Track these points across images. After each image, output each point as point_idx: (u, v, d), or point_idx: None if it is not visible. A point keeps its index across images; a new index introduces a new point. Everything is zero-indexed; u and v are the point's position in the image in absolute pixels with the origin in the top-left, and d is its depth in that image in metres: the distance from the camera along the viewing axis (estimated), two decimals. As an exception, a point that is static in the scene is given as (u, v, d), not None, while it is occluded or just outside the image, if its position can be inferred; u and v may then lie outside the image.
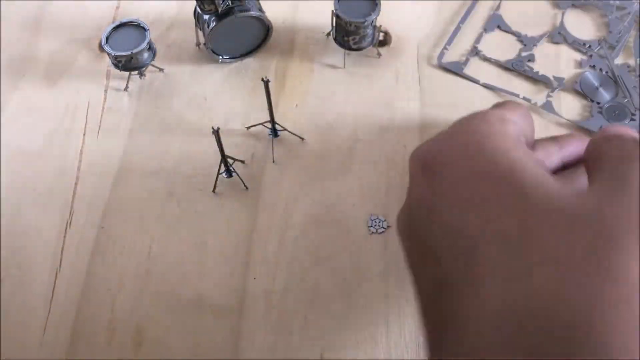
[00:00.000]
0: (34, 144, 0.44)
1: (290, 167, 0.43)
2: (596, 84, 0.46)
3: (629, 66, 0.47)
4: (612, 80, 0.46)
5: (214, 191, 0.42)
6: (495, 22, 0.50)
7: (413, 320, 0.37)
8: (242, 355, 0.36)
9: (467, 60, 0.48)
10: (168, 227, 0.41)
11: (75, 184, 0.43)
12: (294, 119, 0.45)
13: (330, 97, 0.46)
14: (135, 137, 0.45)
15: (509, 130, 0.28)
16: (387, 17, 0.49)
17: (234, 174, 0.43)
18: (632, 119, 0.44)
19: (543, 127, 0.45)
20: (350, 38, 0.46)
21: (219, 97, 0.47)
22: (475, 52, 0.48)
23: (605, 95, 0.46)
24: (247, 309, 0.38)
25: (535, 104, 0.46)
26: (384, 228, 0.40)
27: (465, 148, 0.28)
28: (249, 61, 0.48)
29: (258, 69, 0.48)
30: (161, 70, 0.48)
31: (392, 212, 0.41)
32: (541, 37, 0.49)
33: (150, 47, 0.46)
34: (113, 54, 0.44)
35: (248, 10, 0.45)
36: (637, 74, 0.47)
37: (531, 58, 0.48)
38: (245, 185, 0.42)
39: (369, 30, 0.46)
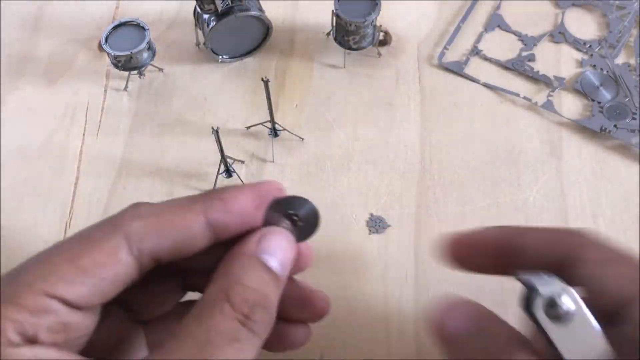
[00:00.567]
0: (34, 143, 0.44)
1: (290, 167, 0.43)
2: (597, 83, 0.46)
3: (629, 65, 0.47)
4: (613, 79, 0.46)
5: (213, 191, 0.42)
6: (496, 22, 0.50)
7: (413, 320, 0.37)
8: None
9: (467, 59, 0.48)
10: (168, 227, 0.41)
11: (75, 184, 0.43)
12: (294, 119, 0.45)
13: (330, 97, 0.46)
14: (135, 137, 0.45)
15: None
16: (388, 16, 0.49)
17: (233, 173, 0.42)
18: (633, 118, 0.44)
19: (544, 127, 0.44)
20: (351, 38, 0.46)
21: (219, 97, 0.46)
22: (475, 51, 0.48)
23: (605, 95, 0.46)
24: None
25: (535, 103, 0.45)
26: (384, 228, 0.40)
27: None
28: (249, 61, 0.48)
29: (258, 69, 0.48)
30: (161, 70, 0.48)
31: (392, 212, 0.41)
32: (542, 36, 0.49)
33: (150, 47, 0.46)
34: (112, 54, 0.44)
35: (248, 10, 0.44)
36: (638, 73, 0.47)
37: (531, 58, 0.48)
38: (245, 185, 0.42)
39: (369, 30, 0.46)
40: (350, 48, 0.47)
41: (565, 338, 0.20)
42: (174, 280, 0.30)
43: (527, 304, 0.21)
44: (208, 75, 0.48)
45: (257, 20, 0.46)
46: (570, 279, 0.24)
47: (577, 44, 0.48)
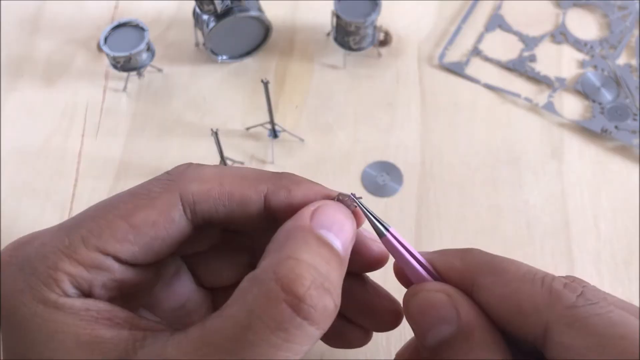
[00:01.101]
0: (33, 144, 0.44)
1: (290, 168, 0.43)
2: (598, 84, 0.46)
3: (630, 66, 0.47)
4: (614, 80, 0.46)
5: (213, 192, 0.42)
6: (497, 22, 0.50)
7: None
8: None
9: (468, 60, 0.48)
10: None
11: (74, 185, 0.42)
12: (294, 120, 0.45)
13: (330, 97, 0.46)
14: (134, 138, 0.44)
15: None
16: (388, 17, 0.49)
17: (233, 175, 0.42)
18: (634, 119, 0.44)
19: (545, 129, 0.44)
20: (351, 38, 0.45)
21: (218, 97, 0.46)
22: (476, 52, 0.48)
23: (606, 96, 0.45)
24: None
25: (536, 104, 0.45)
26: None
27: None
28: (249, 61, 0.48)
29: (257, 70, 0.48)
30: (160, 70, 0.47)
31: (392, 213, 0.41)
32: (542, 37, 0.49)
33: (149, 48, 0.46)
34: (112, 55, 0.43)
35: (247, 10, 0.44)
36: (639, 74, 0.46)
37: (532, 58, 0.48)
38: (244, 187, 0.42)
39: (370, 31, 0.45)
40: (350, 48, 0.46)
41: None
42: (243, 254, 0.29)
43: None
44: (207, 76, 0.47)
45: (257, 21, 0.46)
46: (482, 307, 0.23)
47: (578, 45, 0.48)
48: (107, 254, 0.22)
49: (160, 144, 0.44)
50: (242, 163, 0.43)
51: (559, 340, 0.20)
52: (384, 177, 0.42)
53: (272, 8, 0.49)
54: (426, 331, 0.23)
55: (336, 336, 0.28)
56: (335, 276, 0.22)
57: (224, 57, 0.48)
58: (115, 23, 0.44)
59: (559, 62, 0.48)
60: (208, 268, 0.29)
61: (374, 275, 0.29)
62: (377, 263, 0.27)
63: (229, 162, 0.42)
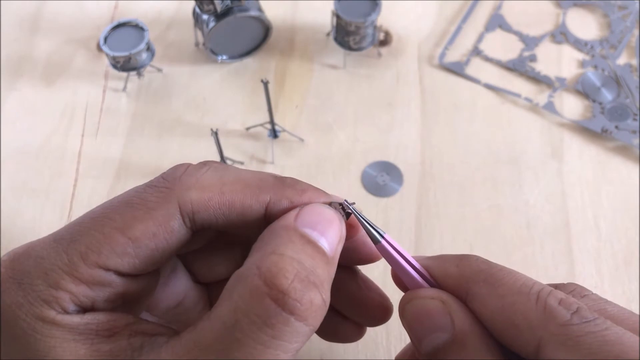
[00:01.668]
0: (33, 144, 0.44)
1: (290, 168, 0.43)
2: (598, 84, 0.46)
3: (630, 66, 0.47)
4: (614, 80, 0.46)
5: (213, 192, 0.42)
6: (497, 22, 0.50)
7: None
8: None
9: (468, 60, 0.48)
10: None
11: (74, 184, 0.42)
12: (294, 120, 0.45)
13: (330, 97, 0.46)
14: (134, 137, 0.44)
15: None
16: (388, 16, 0.49)
17: (233, 175, 0.42)
18: (634, 119, 0.44)
19: (545, 128, 0.44)
20: (351, 38, 0.45)
21: (218, 97, 0.46)
22: (476, 52, 0.48)
23: (607, 96, 0.45)
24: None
25: (536, 104, 0.45)
26: (385, 229, 0.40)
27: None
28: (249, 61, 0.48)
29: (257, 70, 0.48)
30: (160, 70, 0.47)
31: (392, 213, 0.41)
32: (543, 37, 0.49)
33: (149, 48, 0.46)
34: (111, 55, 0.43)
35: (247, 10, 0.44)
36: (639, 74, 0.46)
37: (533, 58, 0.48)
38: (244, 187, 0.42)
39: (370, 30, 0.45)
40: (350, 48, 0.46)
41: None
42: (237, 248, 0.28)
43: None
44: (207, 75, 0.47)
45: (257, 21, 0.46)
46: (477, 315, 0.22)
47: (579, 45, 0.48)
48: (108, 269, 0.22)
49: (160, 144, 0.44)
50: (242, 163, 0.43)
51: (552, 359, 0.20)
52: (384, 177, 0.42)
53: (272, 8, 0.48)
54: (421, 338, 0.23)
55: (330, 330, 0.28)
56: (322, 272, 0.21)
57: (224, 57, 0.48)
58: (115, 23, 0.44)
59: (559, 62, 0.48)
60: (203, 264, 0.29)
61: (373, 276, 0.29)
62: (372, 257, 0.27)
63: (228, 162, 0.42)
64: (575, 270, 0.38)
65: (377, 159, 0.43)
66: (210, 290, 0.29)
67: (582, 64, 0.47)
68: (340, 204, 0.25)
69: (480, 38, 0.49)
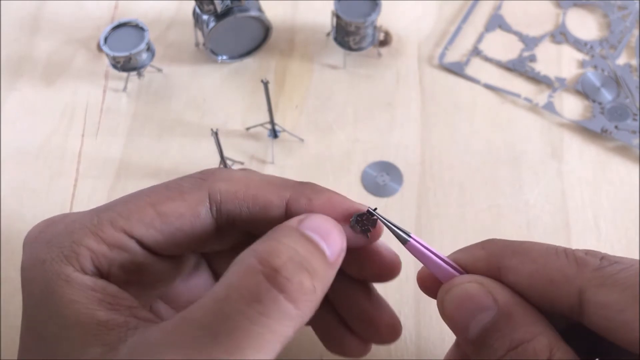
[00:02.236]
0: (33, 144, 0.44)
1: (290, 168, 0.43)
2: (598, 84, 0.46)
3: (630, 66, 0.47)
4: (614, 80, 0.46)
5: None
6: (497, 22, 0.50)
7: (413, 322, 0.37)
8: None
9: (468, 60, 0.48)
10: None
11: (74, 185, 0.42)
12: (294, 120, 0.45)
13: (330, 97, 0.46)
14: (134, 138, 0.44)
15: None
16: (388, 17, 0.49)
17: (233, 175, 0.42)
18: (634, 119, 0.44)
19: (545, 129, 0.44)
20: (351, 38, 0.45)
21: (218, 97, 0.46)
22: (476, 52, 0.48)
23: (606, 96, 0.45)
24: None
25: (536, 104, 0.45)
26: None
27: None
28: (249, 61, 0.48)
29: (257, 70, 0.48)
30: (160, 70, 0.47)
31: (392, 213, 0.41)
32: (542, 37, 0.49)
33: (149, 48, 0.46)
34: (112, 55, 0.43)
35: (247, 10, 0.44)
36: (639, 74, 0.46)
37: (532, 58, 0.48)
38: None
39: (370, 31, 0.45)
40: (350, 49, 0.46)
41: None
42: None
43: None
44: (207, 75, 0.47)
45: (257, 21, 0.46)
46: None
47: (578, 45, 0.48)
48: (132, 237, 0.23)
49: (160, 144, 0.44)
50: (242, 163, 0.43)
51: (595, 301, 0.21)
52: (384, 177, 0.42)
53: (272, 8, 0.49)
54: (467, 323, 0.23)
55: (336, 342, 0.29)
56: (318, 265, 0.22)
57: (224, 57, 0.48)
58: (115, 23, 0.44)
59: (559, 62, 0.48)
60: (226, 266, 0.29)
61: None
62: (389, 270, 0.27)
63: (229, 162, 0.42)
64: (575, 270, 0.38)
65: (377, 159, 0.43)
66: (212, 259, 0.30)
67: (582, 64, 0.47)
68: (364, 213, 0.25)
69: (480, 38, 0.49)
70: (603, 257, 0.22)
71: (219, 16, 0.44)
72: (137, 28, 0.45)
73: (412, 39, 0.49)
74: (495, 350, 0.22)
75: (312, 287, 0.21)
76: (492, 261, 0.24)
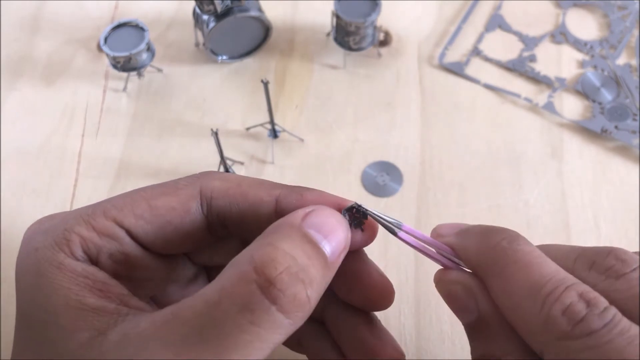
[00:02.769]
0: (33, 144, 0.44)
1: (290, 168, 0.43)
2: (598, 84, 0.46)
3: (630, 66, 0.47)
4: (614, 80, 0.46)
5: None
6: (497, 22, 0.50)
7: (413, 322, 0.37)
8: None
9: (468, 60, 0.48)
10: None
11: (74, 185, 0.42)
12: (294, 120, 0.45)
13: (330, 97, 0.46)
14: (134, 138, 0.44)
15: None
16: (388, 17, 0.49)
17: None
18: (634, 119, 0.44)
19: (545, 129, 0.44)
20: (351, 38, 0.45)
21: (218, 97, 0.46)
22: (476, 52, 0.48)
23: (606, 96, 0.45)
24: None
25: (536, 104, 0.45)
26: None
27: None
28: (249, 61, 0.48)
29: (257, 70, 0.48)
30: (160, 70, 0.47)
31: (392, 213, 0.41)
32: (542, 37, 0.49)
33: (149, 48, 0.46)
34: (112, 55, 0.43)
35: (247, 10, 0.44)
36: (639, 74, 0.46)
37: (532, 58, 0.48)
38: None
39: (369, 31, 0.45)
40: (350, 49, 0.46)
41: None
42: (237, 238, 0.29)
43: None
44: (207, 76, 0.47)
45: (257, 21, 0.46)
46: None
47: (578, 45, 0.48)
48: (122, 227, 0.24)
49: (160, 144, 0.44)
50: (242, 163, 0.43)
51: None
52: (384, 177, 0.42)
53: (272, 8, 0.49)
54: (456, 312, 0.24)
55: None
56: (315, 273, 0.21)
57: (224, 57, 0.48)
58: (115, 23, 0.44)
59: (559, 62, 0.48)
60: (203, 251, 0.29)
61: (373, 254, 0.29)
62: (379, 294, 0.26)
63: (229, 162, 0.42)
64: (575, 270, 0.38)
65: (377, 159, 0.43)
66: (210, 271, 0.30)
67: (582, 64, 0.47)
68: (352, 207, 0.25)
69: (480, 38, 0.49)
70: (583, 319, 0.20)
71: (219, 16, 0.44)
72: (137, 28, 0.45)
73: (412, 39, 0.49)
74: (474, 349, 0.23)
75: (305, 297, 0.21)
76: (481, 266, 0.24)
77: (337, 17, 0.44)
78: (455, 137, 0.44)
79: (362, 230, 0.26)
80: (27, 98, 0.46)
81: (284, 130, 0.44)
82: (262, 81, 0.39)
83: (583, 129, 0.44)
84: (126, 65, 0.45)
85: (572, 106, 0.45)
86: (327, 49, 0.48)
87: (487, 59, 0.48)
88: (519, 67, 0.47)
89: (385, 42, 0.49)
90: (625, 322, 0.20)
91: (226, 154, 0.41)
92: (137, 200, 0.24)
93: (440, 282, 0.25)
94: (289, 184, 0.26)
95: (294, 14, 0.50)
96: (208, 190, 0.25)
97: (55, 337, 0.21)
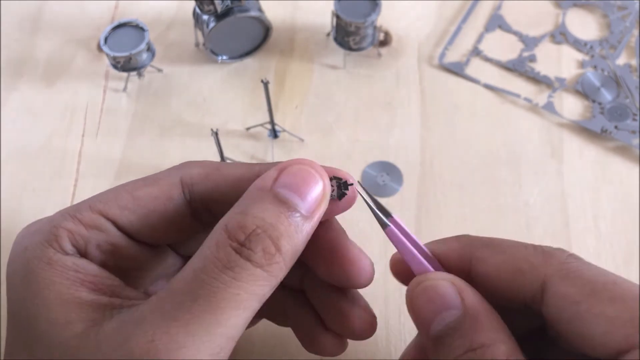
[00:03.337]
0: (33, 144, 0.44)
1: (290, 168, 0.43)
2: (597, 84, 0.46)
3: (630, 66, 0.47)
4: (614, 80, 0.46)
5: (213, 192, 0.42)
6: (497, 22, 0.50)
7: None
8: (242, 355, 0.36)
9: (468, 60, 0.48)
10: (167, 228, 0.41)
11: (74, 185, 0.42)
12: (294, 120, 0.45)
13: (330, 97, 0.46)
14: (134, 138, 0.44)
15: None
16: (388, 17, 0.49)
17: (233, 175, 0.42)
18: (634, 120, 0.44)
19: (545, 129, 0.44)
20: (351, 38, 0.45)
21: (218, 97, 0.46)
22: (476, 52, 0.48)
23: (606, 96, 0.45)
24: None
25: (536, 104, 0.45)
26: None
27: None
28: (249, 61, 0.48)
29: (258, 70, 0.48)
30: (160, 70, 0.47)
31: (392, 212, 0.41)
32: (542, 37, 0.49)
33: (149, 48, 0.46)
34: (112, 55, 0.43)
35: (247, 10, 0.44)
36: (639, 74, 0.46)
37: (532, 58, 0.48)
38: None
39: (369, 31, 0.45)
40: (350, 49, 0.46)
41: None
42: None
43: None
44: (207, 76, 0.47)
45: (257, 21, 0.46)
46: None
47: (578, 45, 0.48)
48: (108, 218, 0.25)
49: (160, 144, 0.44)
50: (242, 163, 0.43)
51: (555, 290, 0.22)
52: (384, 177, 0.42)
53: (272, 8, 0.49)
54: (431, 319, 0.24)
55: (312, 341, 0.29)
56: (285, 228, 0.23)
57: (224, 57, 0.48)
58: (116, 23, 0.44)
59: (559, 62, 0.48)
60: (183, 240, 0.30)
61: (373, 254, 0.29)
62: (359, 271, 0.27)
63: (229, 162, 0.42)
64: (575, 270, 0.38)
65: (377, 159, 0.43)
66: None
67: (582, 64, 0.47)
68: (341, 180, 0.25)
69: (480, 38, 0.49)
70: (571, 254, 0.23)
71: (219, 16, 0.44)
72: (137, 28, 0.45)
73: (412, 39, 0.49)
74: (454, 349, 0.23)
75: (274, 251, 0.22)
76: (464, 252, 0.25)
77: (337, 17, 0.44)
78: (455, 137, 0.44)
79: (340, 200, 0.26)
80: (27, 98, 0.47)
81: (284, 130, 0.44)
82: (262, 81, 0.39)
83: (583, 129, 0.44)
84: (126, 65, 0.45)
85: (572, 106, 0.45)
86: (327, 49, 0.48)
87: (487, 59, 0.48)
88: (519, 67, 0.47)
89: (385, 42, 0.49)
90: None
91: (226, 154, 0.41)
92: (121, 192, 0.25)
93: (425, 282, 0.24)
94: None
95: (294, 14, 0.50)
96: (188, 177, 0.26)
97: (47, 330, 0.22)
